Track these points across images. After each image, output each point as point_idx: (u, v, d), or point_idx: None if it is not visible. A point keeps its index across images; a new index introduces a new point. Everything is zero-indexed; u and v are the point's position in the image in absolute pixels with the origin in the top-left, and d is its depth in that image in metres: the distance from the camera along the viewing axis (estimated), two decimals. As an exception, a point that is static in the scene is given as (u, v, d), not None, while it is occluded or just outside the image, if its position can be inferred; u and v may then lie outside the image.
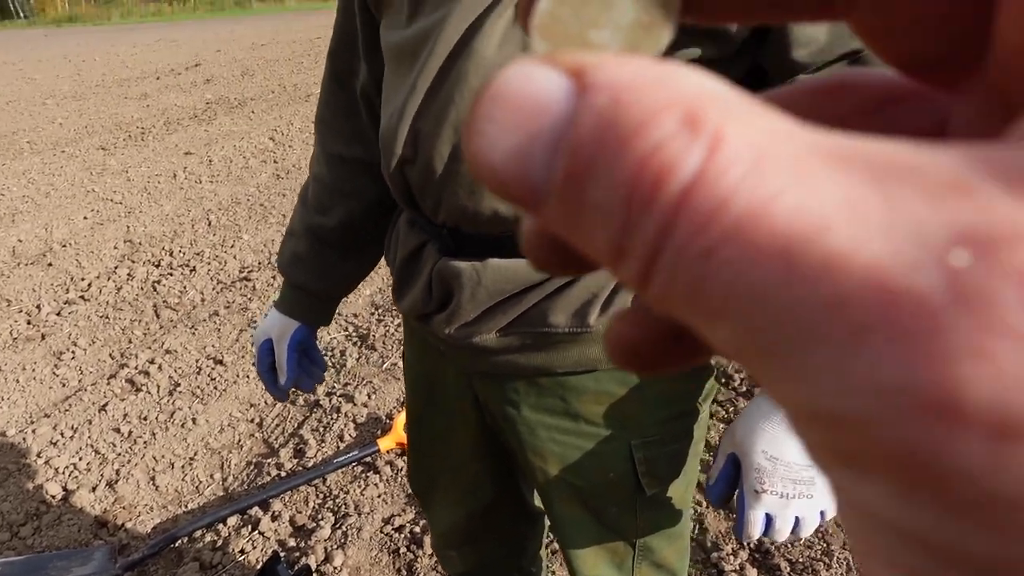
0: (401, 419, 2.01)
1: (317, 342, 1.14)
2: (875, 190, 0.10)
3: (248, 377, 2.54)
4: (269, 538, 1.84)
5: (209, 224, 4.13)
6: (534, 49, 0.13)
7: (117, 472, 2.11)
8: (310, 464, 2.08)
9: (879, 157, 0.10)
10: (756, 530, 0.77)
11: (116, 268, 3.58)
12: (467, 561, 1.20)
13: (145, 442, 2.24)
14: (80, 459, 2.18)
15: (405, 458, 1.99)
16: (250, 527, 1.87)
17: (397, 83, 0.80)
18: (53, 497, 2.02)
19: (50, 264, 3.67)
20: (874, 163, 0.10)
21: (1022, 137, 0.11)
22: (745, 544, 1.70)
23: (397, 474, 2.01)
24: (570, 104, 0.11)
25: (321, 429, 2.23)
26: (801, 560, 1.66)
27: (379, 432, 2.17)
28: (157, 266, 3.58)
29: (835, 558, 1.64)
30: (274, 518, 1.89)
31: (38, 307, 3.19)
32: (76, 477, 2.10)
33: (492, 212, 0.75)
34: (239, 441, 2.22)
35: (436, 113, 0.73)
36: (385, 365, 2.54)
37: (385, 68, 0.84)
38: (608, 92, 0.11)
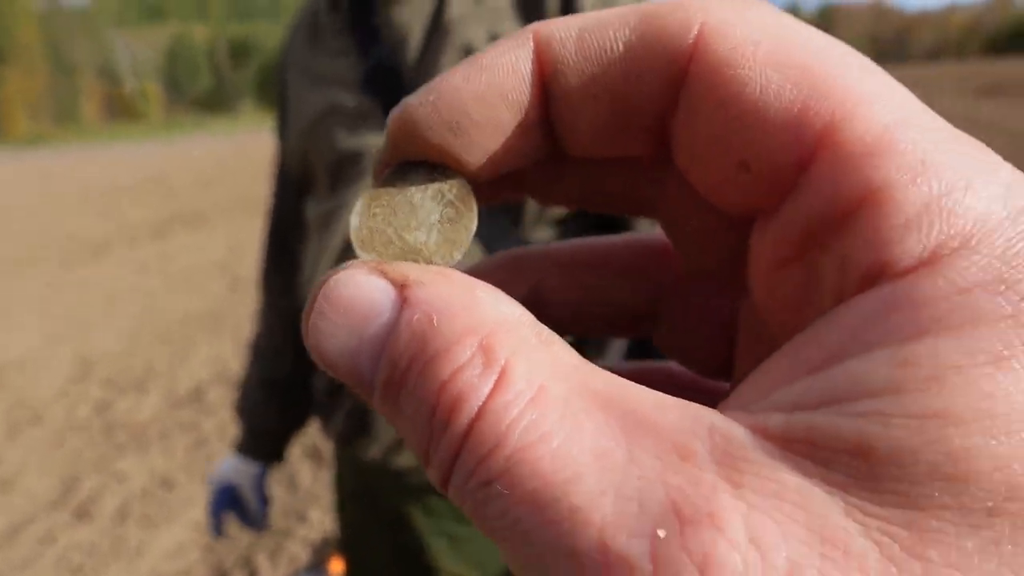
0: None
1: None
2: (621, 443, 0.11)
3: (199, 499, 2.52)
4: (219, 670, 1.80)
5: (164, 340, 4.14)
6: (360, 257, 0.14)
7: (62, 607, 2.05)
8: (263, 588, 2.06)
9: (632, 407, 0.12)
10: None
11: (69, 389, 3.55)
12: None
13: (94, 572, 2.19)
14: (23, 595, 2.11)
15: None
16: (199, 659, 1.83)
17: (313, 248, 0.94)
18: (-7, 638, 1.95)
19: (2, 385, 3.62)
20: (627, 413, 0.11)
21: (756, 405, 0.12)
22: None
23: (351, 594, 2.00)
24: (392, 316, 0.13)
25: (275, 551, 2.21)
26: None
27: (332, 553, 2.16)
28: (111, 385, 3.56)
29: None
30: (225, 648, 1.86)
31: (-15, 434, 3.13)
32: (18, 615, 2.04)
33: None
34: (189, 568, 2.19)
35: None
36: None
37: (309, 235, 0.98)
38: (424, 310, 0.13)
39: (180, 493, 2.57)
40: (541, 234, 0.87)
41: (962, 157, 0.12)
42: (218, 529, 1.18)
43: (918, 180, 0.12)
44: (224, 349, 3.89)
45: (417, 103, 0.15)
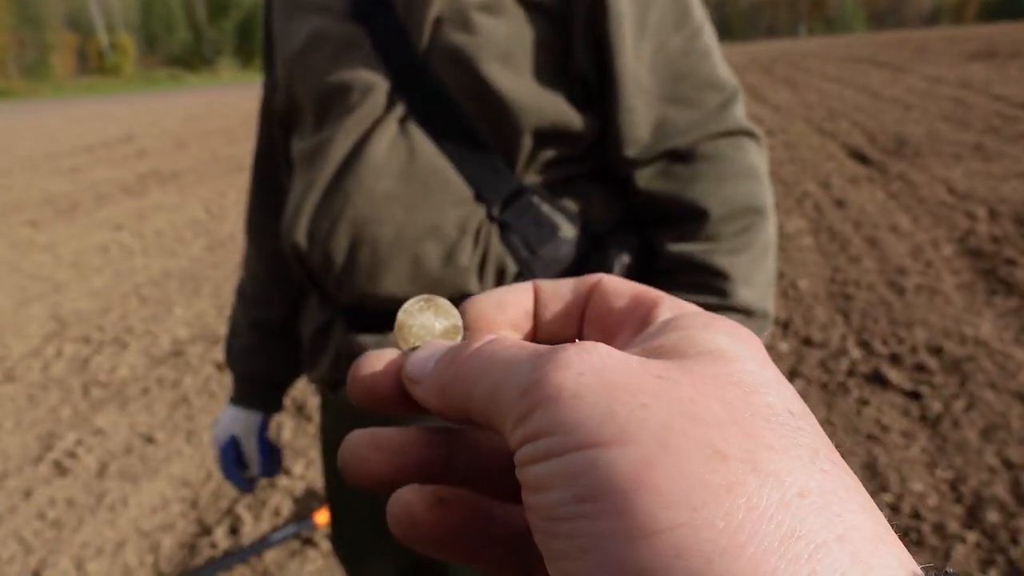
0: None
1: None
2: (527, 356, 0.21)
3: (180, 454, 2.51)
4: (203, 621, 1.81)
5: (140, 298, 4.07)
6: (401, 340, 0.26)
7: (43, 561, 2.04)
8: (246, 542, 2.06)
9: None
10: None
11: (43, 346, 3.50)
12: None
13: (73, 528, 2.18)
14: (4, 548, 2.10)
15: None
16: (183, 610, 1.83)
17: (298, 184, 0.90)
18: (-28, 591, 1.94)
19: (-28, 346, 3.55)
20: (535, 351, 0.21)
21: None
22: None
23: (335, 547, 2.01)
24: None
25: (257, 505, 2.21)
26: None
27: (316, 505, 2.16)
28: (87, 343, 3.51)
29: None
30: (208, 599, 1.86)
31: (-42, 391, 3.07)
32: (0, 569, 2.02)
33: (389, 295, 0.84)
34: (172, 522, 2.18)
35: (334, 210, 0.84)
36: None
37: (294, 171, 0.95)
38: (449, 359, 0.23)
39: (161, 449, 2.55)
40: (534, 178, 0.85)
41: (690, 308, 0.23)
42: (242, 484, 1.15)
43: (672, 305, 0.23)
44: (204, 308, 3.84)
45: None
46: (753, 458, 0.16)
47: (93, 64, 61.10)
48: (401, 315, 0.26)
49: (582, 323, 0.26)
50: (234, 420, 1.13)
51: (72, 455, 2.55)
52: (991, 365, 2.55)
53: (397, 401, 0.25)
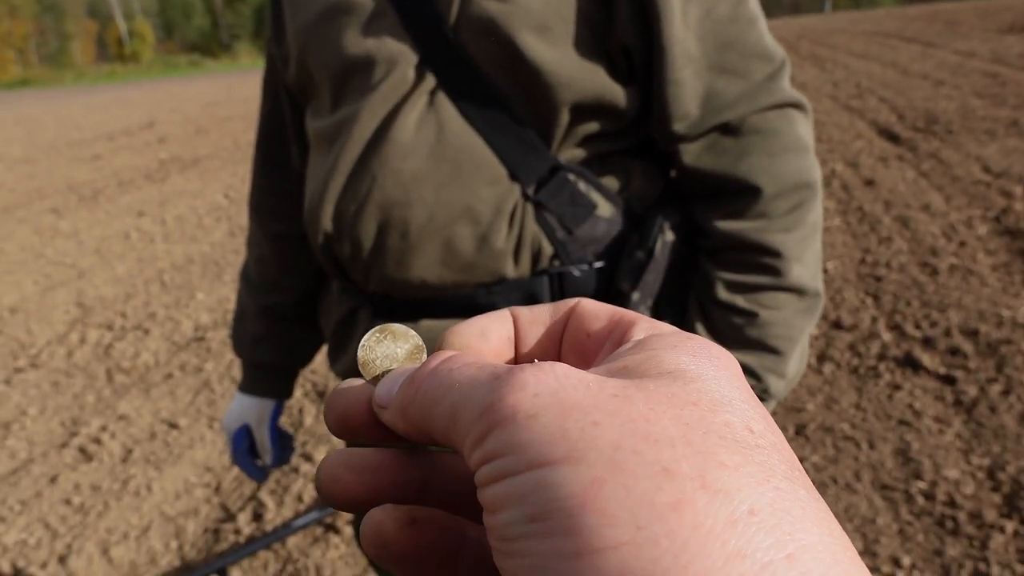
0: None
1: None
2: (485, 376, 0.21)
3: (203, 440, 2.51)
4: (227, 607, 1.81)
5: (163, 284, 4.09)
6: (366, 375, 0.26)
7: (69, 546, 2.05)
8: (269, 528, 2.05)
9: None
10: None
11: (67, 333, 3.52)
12: None
13: (98, 513, 2.19)
14: (30, 534, 2.11)
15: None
16: (207, 596, 1.83)
17: (319, 165, 0.85)
18: (1, 575, 1.95)
19: (-2, 332, 3.58)
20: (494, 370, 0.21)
21: None
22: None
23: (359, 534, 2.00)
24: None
25: (280, 491, 2.21)
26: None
27: (339, 491, 2.15)
28: (110, 329, 3.53)
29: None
30: (232, 586, 1.86)
31: (-15, 377, 3.10)
32: (26, 553, 2.04)
33: (420, 280, 0.80)
34: (196, 507, 2.18)
35: (360, 193, 0.79)
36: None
37: (310, 151, 0.89)
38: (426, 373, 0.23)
39: (185, 435, 2.56)
40: (570, 155, 0.80)
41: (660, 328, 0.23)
42: (254, 473, 1.12)
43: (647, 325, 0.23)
44: (225, 294, 3.84)
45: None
46: (703, 476, 0.16)
47: (113, 51, 61.54)
48: (360, 352, 0.26)
49: (561, 347, 0.26)
50: (246, 409, 1.10)
51: (97, 441, 2.56)
52: (1029, 348, 2.47)
53: (369, 428, 0.25)
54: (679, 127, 0.77)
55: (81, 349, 3.34)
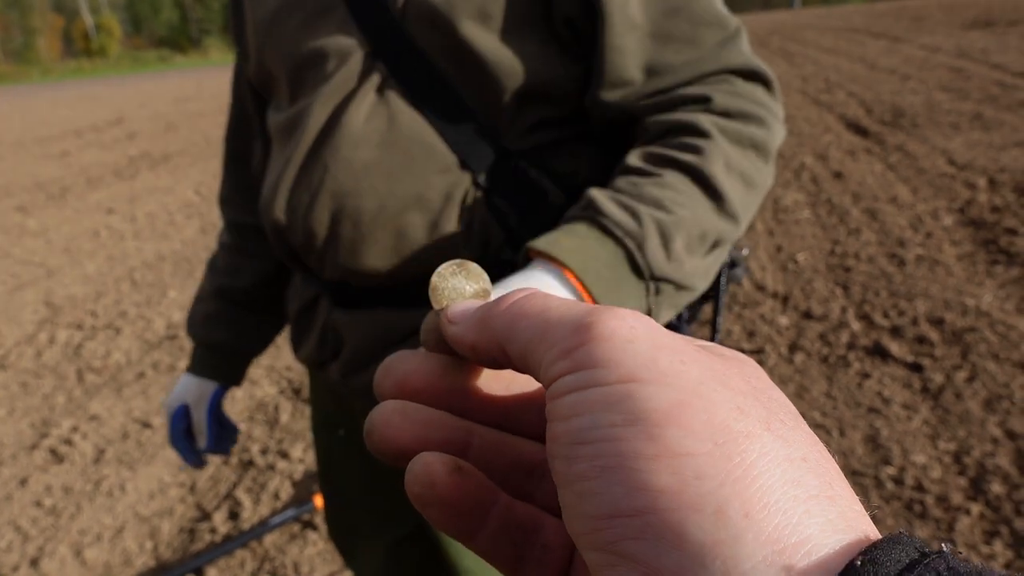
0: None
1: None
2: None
3: (179, 439, 2.48)
4: (204, 606, 1.79)
5: (133, 283, 4.03)
6: (435, 301, 0.28)
7: (41, 549, 2.02)
8: (246, 526, 2.04)
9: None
10: None
11: (36, 333, 3.46)
12: None
13: (71, 515, 2.16)
14: (0, 537, 2.08)
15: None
16: (184, 596, 1.82)
17: (277, 158, 0.87)
18: (-30, 580, 1.92)
19: (-37, 333, 3.51)
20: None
21: None
22: None
23: (335, 529, 1.99)
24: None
25: (256, 489, 2.19)
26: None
27: (316, 488, 2.14)
28: (80, 329, 3.47)
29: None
30: (209, 584, 1.85)
31: (-49, 379, 3.04)
32: (-5, 557, 2.01)
33: (373, 269, 0.81)
34: (170, 507, 2.16)
35: (313, 183, 0.80)
36: (321, 418, 2.52)
37: (272, 145, 0.91)
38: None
39: (158, 434, 2.53)
40: (520, 142, 0.80)
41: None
42: (188, 456, 1.09)
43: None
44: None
45: None
46: (768, 422, 0.19)
47: (79, 46, 60.26)
48: (434, 278, 0.28)
49: None
50: (187, 388, 1.08)
51: (68, 442, 2.53)
52: (993, 336, 2.53)
53: (429, 390, 0.27)
54: (615, 95, 0.74)
55: (50, 349, 3.29)
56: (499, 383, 0.28)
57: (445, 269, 0.28)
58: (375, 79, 0.78)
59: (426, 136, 0.77)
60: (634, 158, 0.73)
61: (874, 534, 0.18)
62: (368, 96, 0.78)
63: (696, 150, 0.71)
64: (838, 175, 4.65)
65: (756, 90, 0.75)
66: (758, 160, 0.74)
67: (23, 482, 2.33)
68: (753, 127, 0.73)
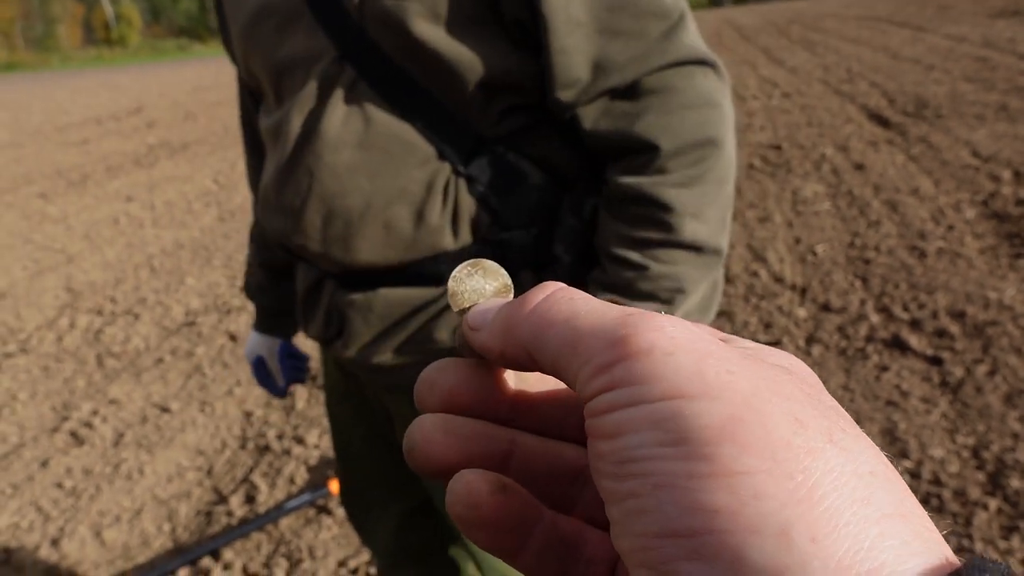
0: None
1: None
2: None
3: (195, 424, 2.51)
4: (221, 588, 1.82)
5: (152, 270, 4.07)
6: (454, 305, 0.27)
7: (61, 529, 2.06)
8: (262, 510, 2.06)
9: None
10: None
11: (57, 318, 3.51)
12: None
13: (90, 496, 2.19)
14: (22, 517, 2.12)
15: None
16: (201, 577, 1.84)
17: (268, 161, 0.91)
18: (-7, 559, 1.95)
19: (-14, 317, 3.56)
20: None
21: None
22: None
23: (350, 514, 2.01)
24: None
25: (272, 473, 2.21)
26: None
27: (331, 473, 2.16)
28: (100, 314, 3.51)
29: None
30: (226, 567, 1.87)
31: (-26, 362, 3.09)
32: (18, 536, 2.04)
33: (367, 262, 0.85)
34: (188, 490, 2.19)
35: (301, 188, 0.84)
36: (336, 405, 2.54)
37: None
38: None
39: (176, 419, 2.56)
40: (494, 129, 0.83)
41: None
42: (275, 390, 1.29)
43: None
44: (216, 279, 3.83)
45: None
46: (830, 434, 0.18)
47: (99, 35, 60.74)
48: (451, 283, 0.27)
49: None
50: (258, 343, 1.25)
51: (88, 425, 2.56)
52: (1015, 330, 2.50)
53: (476, 401, 0.26)
54: (568, 95, 0.77)
55: (71, 334, 3.33)
56: (541, 382, 0.27)
57: (460, 271, 0.27)
58: (346, 81, 0.81)
59: (402, 132, 0.81)
60: (615, 246, 0.80)
61: (952, 557, 0.17)
62: (342, 99, 0.81)
63: (667, 227, 0.78)
64: (859, 166, 4.59)
65: (703, 81, 0.78)
66: (717, 165, 0.79)
67: (44, 464, 2.36)
68: (705, 148, 0.77)
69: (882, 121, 5.70)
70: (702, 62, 0.78)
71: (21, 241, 4.82)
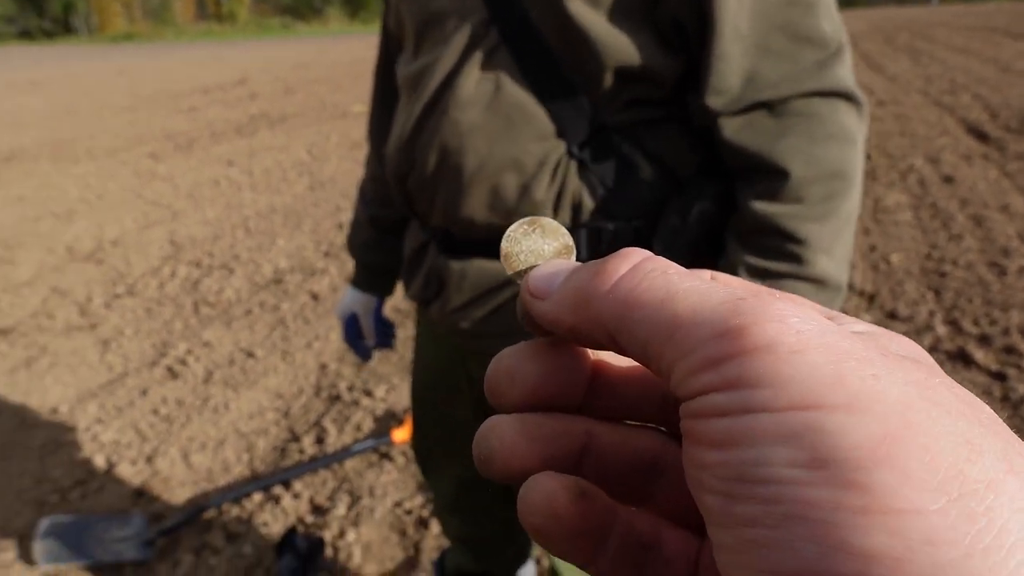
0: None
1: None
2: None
3: (276, 370, 2.73)
4: (289, 514, 2.01)
5: (247, 230, 4.37)
6: (508, 268, 0.24)
7: (155, 449, 2.30)
8: (330, 450, 2.25)
9: None
10: None
11: (160, 267, 3.83)
12: (463, 529, 1.35)
13: (181, 424, 2.43)
14: (123, 436, 2.37)
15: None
16: (273, 503, 2.04)
17: (402, 110, 0.97)
18: (98, 468, 2.21)
19: (101, 261, 3.93)
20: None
21: None
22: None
23: (409, 463, 2.17)
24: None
25: (341, 420, 2.40)
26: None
27: (394, 424, 2.33)
28: (198, 266, 3.81)
29: None
30: (295, 496, 2.06)
31: (89, 299, 3.43)
32: (119, 451, 2.30)
33: (469, 218, 0.91)
34: (266, 428, 2.40)
35: (426, 136, 0.90)
36: (404, 365, 2.71)
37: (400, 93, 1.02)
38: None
39: (260, 364, 2.79)
40: (617, 117, 0.86)
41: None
42: (361, 350, 1.31)
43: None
44: (303, 242, 4.08)
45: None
46: (1009, 459, 0.15)
47: (211, 10, 63.79)
48: (505, 243, 0.24)
49: None
50: (354, 300, 1.28)
51: (183, 362, 2.82)
52: (1089, 352, 2.44)
53: (570, 394, 0.23)
54: (718, 101, 0.79)
55: (172, 282, 3.63)
56: (615, 358, 0.24)
57: (515, 231, 0.24)
58: (488, 43, 0.86)
59: (527, 104, 0.84)
60: (744, 276, 0.79)
61: None
62: (480, 60, 0.86)
63: (799, 260, 0.79)
64: (948, 179, 4.46)
65: (846, 115, 0.79)
66: (847, 201, 0.80)
67: (144, 392, 2.63)
68: (839, 182, 0.79)
69: (980, 135, 5.49)
70: (850, 97, 0.79)
71: (133, 196, 5.23)
